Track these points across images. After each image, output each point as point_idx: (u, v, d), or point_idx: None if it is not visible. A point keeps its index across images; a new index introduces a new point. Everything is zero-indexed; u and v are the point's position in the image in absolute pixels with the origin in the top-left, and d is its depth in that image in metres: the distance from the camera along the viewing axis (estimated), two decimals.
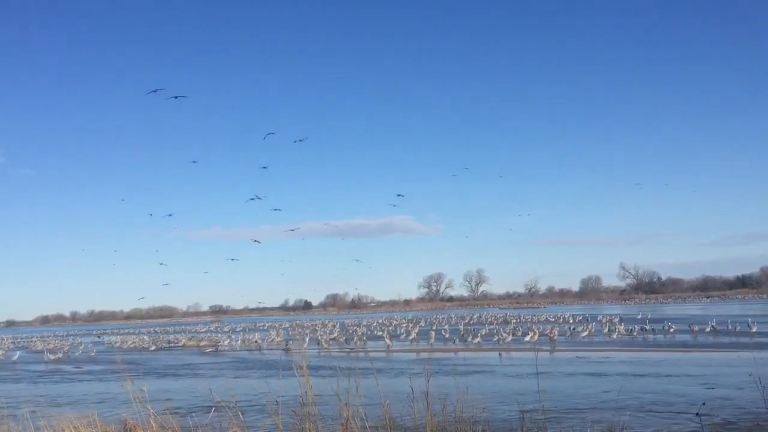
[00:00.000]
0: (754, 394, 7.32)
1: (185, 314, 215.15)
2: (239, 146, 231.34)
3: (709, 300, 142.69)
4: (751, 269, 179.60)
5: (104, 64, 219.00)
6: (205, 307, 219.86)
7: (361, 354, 38.23)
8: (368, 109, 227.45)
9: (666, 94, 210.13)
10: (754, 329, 41.01)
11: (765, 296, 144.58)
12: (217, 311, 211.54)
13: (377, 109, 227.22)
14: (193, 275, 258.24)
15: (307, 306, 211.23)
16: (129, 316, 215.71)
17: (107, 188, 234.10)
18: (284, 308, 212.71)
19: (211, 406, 8.90)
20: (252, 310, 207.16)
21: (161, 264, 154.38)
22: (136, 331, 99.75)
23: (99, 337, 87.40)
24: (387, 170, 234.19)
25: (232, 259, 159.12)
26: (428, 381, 8.48)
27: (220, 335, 69.66)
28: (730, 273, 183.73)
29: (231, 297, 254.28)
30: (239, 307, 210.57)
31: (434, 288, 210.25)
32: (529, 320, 70.50)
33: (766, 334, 39.38)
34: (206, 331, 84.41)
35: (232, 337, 62.54)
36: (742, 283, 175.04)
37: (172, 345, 59.90)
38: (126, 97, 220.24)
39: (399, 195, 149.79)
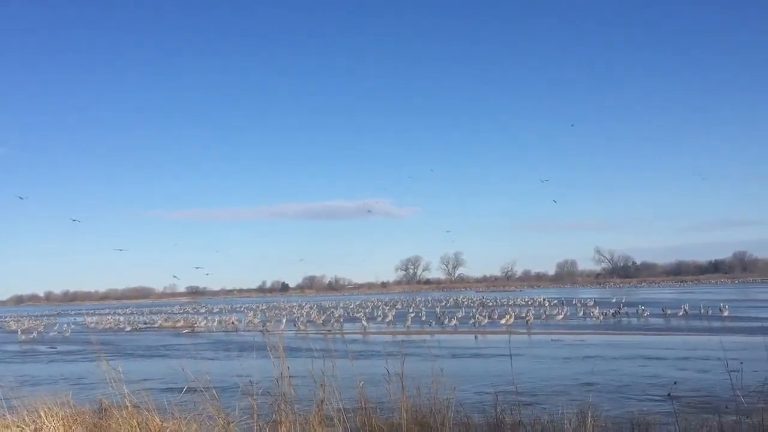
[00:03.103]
0: (723, 377, 7.45)
1: (161, 295, 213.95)
2: (219, 126, 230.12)
3: (682, 284, 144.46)
4: (724, 254, 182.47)
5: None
6: (181, 288, 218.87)
7: (338, 336, 38.35)
8: (346, 93, 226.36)
9: (642, 79, 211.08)
10: (726, 313, 41.64)
11: (737, 281, 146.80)
12: (194, 292, 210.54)
13: (356, 92, 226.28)
14: (171, 256, 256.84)
15: (284, 288, 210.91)
16: (104, 297, 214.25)
17: (83, 167, 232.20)
18: (261, 290, 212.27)
19: (187, 387, 8.89)
20: (229, 292, 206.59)
21: (120, 250, 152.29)
22: (112, 312, 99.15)
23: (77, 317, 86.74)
24: (365, 153, 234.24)
25: (120, 249, 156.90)
26: (403, 363, 8.54)
27: (196, 316, 69.38)
28: (703, 258, 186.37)
29: (207, 278, 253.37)
30: (216, 288, 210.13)
31: (411, 271, 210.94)
32: (505, 303, 70.93)
33: (737, 318, 39.97)
34: (182, 312, 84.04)
35: (209, 318, 62.32)
36: (715, 268, 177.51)
37: (148, 326, 59.62)
38: (103, 74, 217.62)
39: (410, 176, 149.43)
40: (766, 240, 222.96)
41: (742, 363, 7.43)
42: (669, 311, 45.56)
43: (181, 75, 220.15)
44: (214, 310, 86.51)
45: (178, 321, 61.49)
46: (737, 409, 7.24)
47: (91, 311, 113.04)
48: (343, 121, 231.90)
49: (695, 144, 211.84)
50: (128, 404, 9.27)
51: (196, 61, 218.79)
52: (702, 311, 44.03)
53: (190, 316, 72.35)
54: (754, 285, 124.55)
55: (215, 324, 54.92)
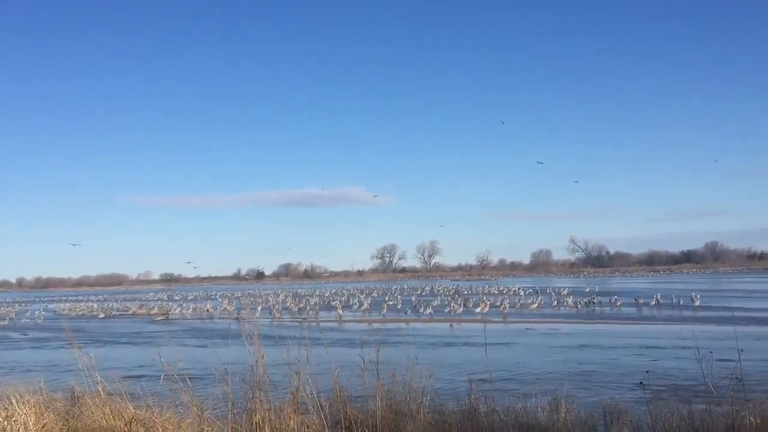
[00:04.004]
0: (694, 365, 7.55)
1: (135, 282, 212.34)
2: (195, 113, 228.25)
3: (655, 274, 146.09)
4: (696, 245, 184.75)
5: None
6: (155, 275, 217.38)
7: (314, 324, 38.32)
8: (325, 80, 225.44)
9: (616, 69, 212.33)
10: (697, 303, 42.22)
11: (708, 271, 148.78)
12: (169, 279, 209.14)
13: (333, 78, 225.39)
14: (145, 242, 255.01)
15: (259, 275, 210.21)
16: (78, 283, 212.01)
17: (57, 153, 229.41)
18: (236, 277, 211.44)
19: (161, 374, 8.83)
20: (204, 279, 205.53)
21: (74, 245, 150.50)
22: (85, 299, 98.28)
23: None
24: (339, 140, 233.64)
25: (74, 245, 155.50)
26: (378, 351, 8.55)
27: (171, 303, 68.96)
28: (676, 248, 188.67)
29: (182, 265, 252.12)
30: (191, 275, 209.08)
31: (387, 259, 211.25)
32: (480, 292, 71.27)
33: (708, 308, 40.51)
34: (157, 300, 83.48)
35: (183, 305, 61.94)
36: (687, 258, 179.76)
37: (122, 313, 59.21)
38: (77, 59, 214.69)
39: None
40: (738, 231, 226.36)
41: (712, 352, 7.53)
42: (642, 301, 46.09)
43: (158, 61, 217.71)
44: (189, 298, 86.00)
45: (153, 308, 61.08)
46: (707, 397, 7.34)
47: (64, 298, 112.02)
48: (320, 108, 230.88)
49: (669, 135, 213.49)
50: (101, 392, 9.20)
51: (173, 48, 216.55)
52: (674, 301, 44.57)
53: (164, 303, 71.89)
54: (725, 275, 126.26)
55: (190, 311, 54.64)
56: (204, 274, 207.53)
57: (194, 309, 56.18)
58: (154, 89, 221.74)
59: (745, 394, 7.08)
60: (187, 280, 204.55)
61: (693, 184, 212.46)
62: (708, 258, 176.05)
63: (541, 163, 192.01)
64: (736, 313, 32.46)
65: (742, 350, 7.29)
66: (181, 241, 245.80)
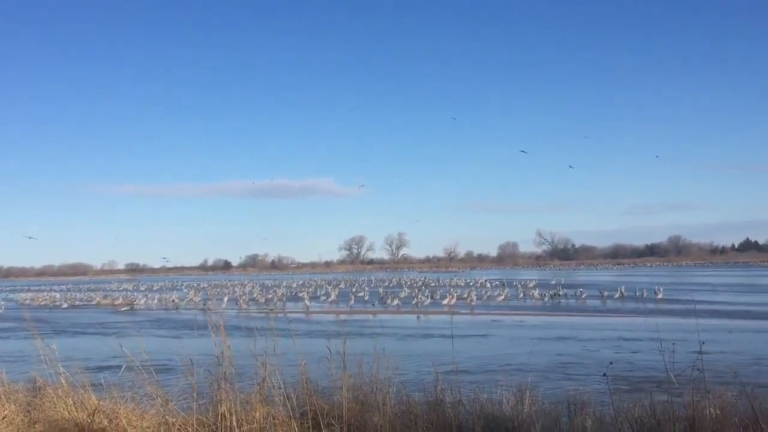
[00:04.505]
0: (656, 357, 7.66)
1: (99, 272, 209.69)
2: (162, 101, 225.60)
3: (619, 267, 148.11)
4: (660, 239, 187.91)
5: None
6: (120, 265, 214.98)
7: (280, 315, 38.19)
8: (292, 69, 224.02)
9: (586, 59, 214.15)
10: (660, 296, 42.92)
11: (672, 264, 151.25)
12: (134, 270, 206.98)
13: (302, 69, 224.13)
14: (109, 232, 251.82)
15: (226, 266, 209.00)
16: (40, 273, 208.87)
17: (20, 139, 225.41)
18: (203, 268, 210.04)
19: (125, 366, 8.74)
20: (169, 269, 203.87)
21: (29, 238, 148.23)
22: (48, 288, 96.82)
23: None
24: (308, 131, 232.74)
25: (30, 237, 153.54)
26: (345, 342, 8.55)
27: (135, 294, 68.26)
28: (640, 242, 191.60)
29: (148, 255, 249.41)
30: (156, 265, 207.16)
31: (355, 251, 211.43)
32: (447, 284, 71.61)
33: (671, 301, 41.19)
34: (121, 290, 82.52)
35: (149, 296, 61.38)
36: (651, 251, 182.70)
37: (86, 303, 58.46)
38: (43, 44, 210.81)
39: None
40: (700, 225, 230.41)
41: (674, 344, 7.63)
42: (606, 293, 46.72)
43: (124, 50, 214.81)
44: (154, 288, 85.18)
45: (117, 298, 60.47)
46: (669, 388, 7.45)
47: (26, 288, 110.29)
48: (289, 99, 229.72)
49: (633, 129, 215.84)
50: (63, 382, 9.08)
51: (139, 35, 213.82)
52: (638, 294, 45.25)
53: (129, 293, 71.13)
54: (687, 268, 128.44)
55: (155, 302, 54.16)
56: (170, 265, 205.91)
57: (160, 299, 55.68)
58: (119, 77, 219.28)
59: (706, 385, 7.19)
60: (153, 271, 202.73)
61: (657, 179, 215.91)
62: (671, 251, 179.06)
63: (525, 153, 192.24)
64: (698, 306, 33.03)
65: (703, 342, 7.42)
66: (146, 231, 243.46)
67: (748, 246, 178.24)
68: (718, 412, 7.10)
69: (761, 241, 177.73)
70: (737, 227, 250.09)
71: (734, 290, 52.18)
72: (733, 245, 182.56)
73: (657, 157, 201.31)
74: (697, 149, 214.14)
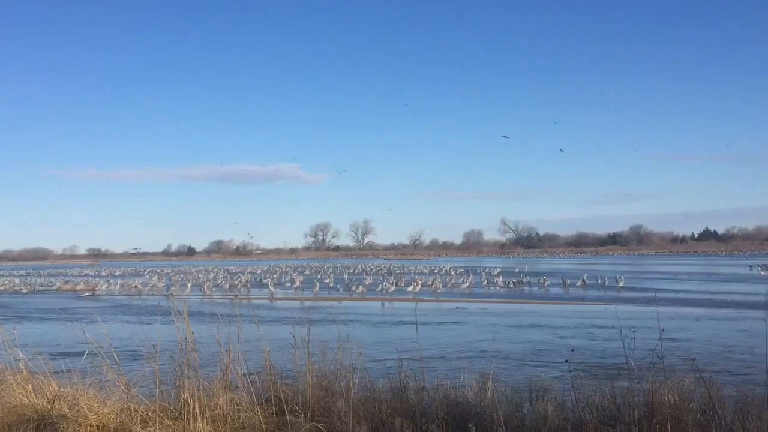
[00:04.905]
0: (617, 344, 7.78)
1: (60, 257, 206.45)
2: (123, 84, 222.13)
3: (582, 255, 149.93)
4: (622, 228, 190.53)
5: None
6: (82, 250, 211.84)
7: (245, 301, 38.03)
8: (257, 55, 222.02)
9: (552, 46, 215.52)
10: (621, 284, 43.60)
11: (633, 253, 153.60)
12: (96, 255, 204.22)
13: (267, 54, 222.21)
14: (70, 216, 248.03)
15: (190, 252, 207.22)
16: None
17: None
18: (166, 254, 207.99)
19: (87, 352, 8.64)
20: (132, 255, 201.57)
21: None
22: (7, 273, 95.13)
23: None
24: (273, 117, 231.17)
25: None
26: (309, 328, 8.54)
27: (97, 279, 67.40)
28: (602, 231, 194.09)
29: (110, 240, 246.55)
30: (118, 251, 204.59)
31: (320, 237, 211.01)
32: (412, 271, 71.91)
33: (631, 289, 41.85)
34: (83, 275, 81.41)
35: (111, 281, 60.63)
36: (613, 240, 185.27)
37: (46, 288, 57.60)
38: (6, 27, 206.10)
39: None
40: (661, 214, 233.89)
41: (635, 331, 7.75)
42: (569, 281, 47.31)
43: (87, 32, 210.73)
44: (117, 274, 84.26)
45: (78, 284, 59.66)
46: (630, 375, 7.58)
47: None
48: (254, 84, 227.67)
49: (596, 118, 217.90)
50: (23, 369, 8.96)
51: (103, 18, 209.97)
52: (599, 282, 45.90)
53: (90, 279, 70.20)
54: (648, 257, 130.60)
55: (117, 288, 53.54)
56: (132, 250, 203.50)
57: (122, 285, 55.08)
58: (81, 60, 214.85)
59: (665, 372, 7.32)
60: (115, 256, 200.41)
61: (619, 169, 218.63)
62: (633, 241, 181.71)
63: (507, 138, 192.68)
64: (658, 294, 33.57)
65: (663, 330, 7.54)
66: (108, 216, 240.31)
67: (707, 235, 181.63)
68: (677, 398, 7.23)
69: (720, 231, 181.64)
70: (697, 217, 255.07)
71: (694, 279, 53.14)
72: (692, 235, 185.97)
73: (638, 146, 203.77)
74: (658, 141, 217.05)
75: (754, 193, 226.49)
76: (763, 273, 56.02)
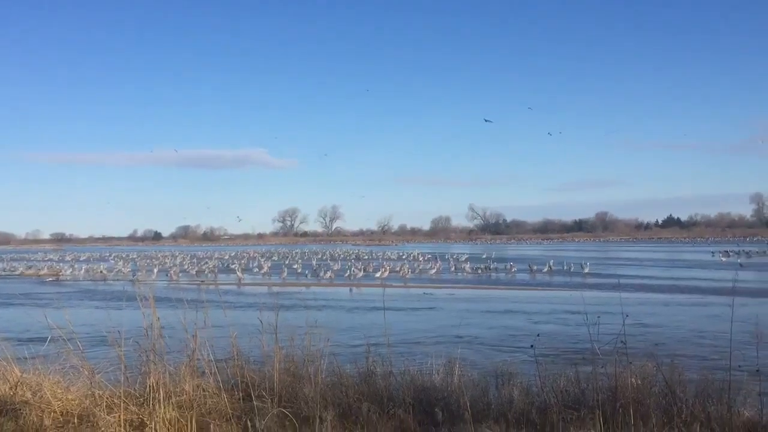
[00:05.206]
0: (582, 330, 7.88)
1: (23, 242, 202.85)
2: (89, 66, 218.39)
3: (548, 242, 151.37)
4: (588, 214, 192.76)
5: None
6: (46, 235, 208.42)
7: (212, 287, 37.82)
8: (223, 38, 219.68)
9: (512, 41, 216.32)
10: (587, 270, 44.11)
11: (599, 239, 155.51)
12: (60, 239, 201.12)
13: (233, 37, 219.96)
14: (33, 199, 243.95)
15: (156, 237, 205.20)
16: None
17: None
18: (132, 238, 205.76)
19: (50, 337, 8.52)
20: (97, 240, 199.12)
21: None
22: None
23: None
24: (241, 101, 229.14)
25: None
26: (277, 314, 8.52)
27: (62, 264, 66.45)
28: (568, 217, 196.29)
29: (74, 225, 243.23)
30: (83, 235, 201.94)
31: (288, 223, 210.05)
32: (380, 257, 72.04)
33: (597, 275, 42.35)
34: (47, 260, 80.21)
35: (75, 266, 59.84)
36: (579, 226, 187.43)
37: (9, 274, 56.64)
38: None
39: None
40: (625, 201, 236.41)
41: (599, 317, 7.87)
42: (535, 267, 47.68)
43: (53, 11, 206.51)
44: (81, 259, 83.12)
45: (42, 269, 58.75)
46: (594, 359, 7.68)
47: None
48: (221, 67, 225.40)
49: (561, 106, 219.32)
50: None
51: None
52: (565, 268, 46.37)
53: (54, 264, 69.17)
54: (613, 244, 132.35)
55: (82, 273, 52.90)
56: (98, 235, 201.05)
57: (87, 270, 54.41)
58: (47, 40, 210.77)
59: (628, 356, 7.44)
60: (80, 241, 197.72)
61: (585, 156, 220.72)
62: (598, 227, 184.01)
63: (490, 122, 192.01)
64: (622, 281, 34.02)
65: (627, 315, 7.66)
66: (73, 200, 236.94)
67: (670, 222, 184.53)
68: (640, 381, 7.36)
69: (683, 218, 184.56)
70: (661, 204, 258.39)
71: (659, 265, 53.91)
72: (656, 221, 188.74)
73: (609, 132, 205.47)
74: (623, 128, 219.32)
75: (717, 181, 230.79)
76: (724, 259, 57.17)
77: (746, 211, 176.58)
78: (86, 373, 8.04)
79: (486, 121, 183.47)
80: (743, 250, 71.26)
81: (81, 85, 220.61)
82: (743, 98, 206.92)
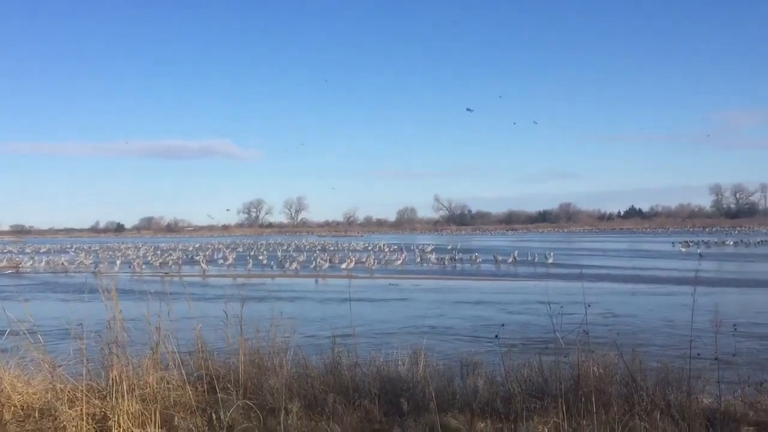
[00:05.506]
0: (546, 320, 7.97)
1: None
2: (50, 55, 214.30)
3: (513, 233, 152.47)
4: (552, 205, 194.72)
5: None
6: (5, 227, 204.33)
7: (176, 278, 37.48)
8: (189, 28, 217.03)
9: (473, 31, 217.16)
10: (550, 260, 44.59)
11: (562, 230, 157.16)
12: (19, 231, 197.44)
13: (197, 26, 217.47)
14: None
15: (119, 228, 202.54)
16: None
17: None
18: (94, 230, 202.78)
19: (9, 330, 8.37)
20: (58, 231, 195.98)
21: None
22: None
23: None
24: (205, 91, 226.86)
25: None
26: (243, 305, 8.48)
27: (21, 256, 65.27)
28: (533, 208, 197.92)
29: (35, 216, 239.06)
30: (44, 227, 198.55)
31: (254, 214, 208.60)
32: (346, 248, 71.95)
33: (560, 265, 42.80)
34: (6, 252, 78.70)
35: (35, 258, 58.84)
36: (543, 217, 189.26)
37: None
38: None
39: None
40: (588, 192, 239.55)
41: (562, 307, 7.95)
42: (500, 258, 48.04)
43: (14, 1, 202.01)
44: (42, 251, 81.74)
45: (1, 261, 57.66)
46: (557, 349, 7.77)
47: None
48: (186, 54, 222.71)
49: (525, 98, 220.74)
50: None
51: None
52: (530, 258, 46.75)
53: (14, 256, 67.89)
54: (576, 234, 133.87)
55: (43, 265, 52.05)
56: (59, 226, 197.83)
57: (47, 262, 53.53)
58: (4, 31, 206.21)
59: (590, 345, 7.54)
60: (40, 232, 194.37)
61: (549, 148, 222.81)
62: (562, 218, 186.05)
63: (471, 110, 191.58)
64: (585, 271, 34.43)
65: (589, 305, 7.75)
66: (33, 191, 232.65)
67: (632, 213, 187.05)
68: (602, 370, 7.47)
69: (644, 209, 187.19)
70: (623, 195, 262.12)
71: (622, 255, 54.59)
72: (618, 212, 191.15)
73: (578, 123, 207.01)
74: (587, 121, 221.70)
75: (677, 173, 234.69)
76: (683, 249, 58.16)
77: (706, 202, 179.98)
78: (47, 366, 7.93)
79: (468, 110, 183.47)
80: (702, 241, 72.69)
81: (41, 75, 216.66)
82: (703, 92, 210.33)
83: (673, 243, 68.44)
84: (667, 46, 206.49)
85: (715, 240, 76.91)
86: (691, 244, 65.12)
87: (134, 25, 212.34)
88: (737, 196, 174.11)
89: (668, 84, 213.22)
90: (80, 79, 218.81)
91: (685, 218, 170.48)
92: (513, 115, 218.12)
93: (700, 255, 49.69)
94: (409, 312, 22.12)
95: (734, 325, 8.79)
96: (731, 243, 70.56)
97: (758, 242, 70.79)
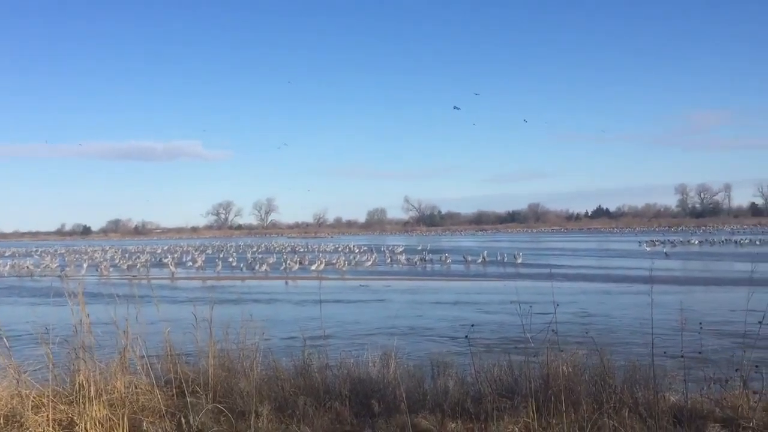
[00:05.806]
0: (515, 320, 8.02)
1: None
2: (12, 53, 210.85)
3: (482, 233, 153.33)
4: (520, 206, 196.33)
5: None
6: None
7: (144, 281, 37.09)
8: (155, 31, 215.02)
9: (444, 32, 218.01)
10: (519, 260, 44.95)
11: (531, 230, 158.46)
12: None
13: (165, 29, 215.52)
14: None
15: (86, 231, 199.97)
16: None
17: None
18: (60, 233, 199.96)
19: None
20: (23, 234, 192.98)
21: None
22: None
23: None
24: (173, 92, 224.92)
25: None
26: (212, 308, 8.42)
27: None
28: (502, 209, 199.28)
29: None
30: (8, 230, 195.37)
31: (223, 216, 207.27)
32: (316, 249, 71.79)
33: (529, 265, 43.11)
34: None
35: (0, 262, 57.88)
36: (512, 218, 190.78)
37: None
38: None
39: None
40: (556, 193, 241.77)
41: (531, 306, 8.01)
42: (470, 258, 48.27)
43: None
44: (6, 254, 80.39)
45: None
46: (526, 349, 7.83)
47: None
48: (155, 55, 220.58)
49: (494, 99, 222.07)
50: None
51: None
52: (499, 258, 47.09)
53: None
54: (545, 234, 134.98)
55: (7, 268, 51.16)
56: (24, 229, 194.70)
57: (12, 266, 52.64)
58: None
59: (559, 345, 7.60)
60: (4, 236, 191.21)
61: (518, 149, 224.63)
62: (531, 218, 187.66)
63: (458, 109, 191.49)
64: (554, 270, 34.70)
65: (558, 305, 7.82)
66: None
67: (599, 213, 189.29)
68: (570, 369, 7.53)
69: (611, 209, 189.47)
70: (590, 195, 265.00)
71: (591, 255, 55.17)
72: (586, 212, 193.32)
73: (547, 124, 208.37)
74: (555, 122, 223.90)
75: (643, 173, 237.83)
76: (648, 249, 58.93)
77: (671, 201, 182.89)
78: (12, 372, 7.79)
79: (455, 108, 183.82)
80: (668, 240, 73.76)
81: (2, 75, 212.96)
82: (667, 93, 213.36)
83: (639, 242, 69.32)
84: (633, 47, 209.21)
85: (681, 239, 78.06)
86: (657, 243, 66.04)
87: (99, 25, 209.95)
88: (702, 196, 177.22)
89: (632, 85, 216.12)
90: (43, 79, 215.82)
91: (651, 218, 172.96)
92: (481, 116, 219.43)
93: (666, 254, 50.41)
94: (380, 312, 22.14)
95: (700, 323, 8.93)
96: (696, 242, 71.63)
97: (722, 241, 71.98)
